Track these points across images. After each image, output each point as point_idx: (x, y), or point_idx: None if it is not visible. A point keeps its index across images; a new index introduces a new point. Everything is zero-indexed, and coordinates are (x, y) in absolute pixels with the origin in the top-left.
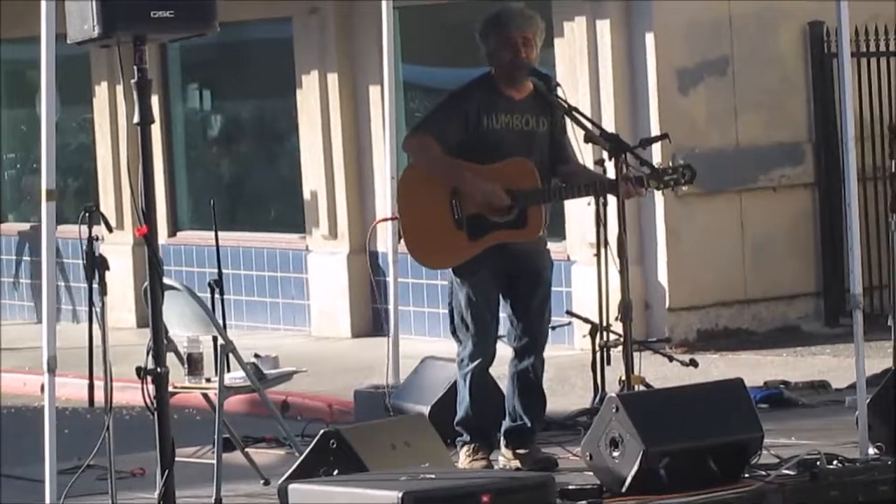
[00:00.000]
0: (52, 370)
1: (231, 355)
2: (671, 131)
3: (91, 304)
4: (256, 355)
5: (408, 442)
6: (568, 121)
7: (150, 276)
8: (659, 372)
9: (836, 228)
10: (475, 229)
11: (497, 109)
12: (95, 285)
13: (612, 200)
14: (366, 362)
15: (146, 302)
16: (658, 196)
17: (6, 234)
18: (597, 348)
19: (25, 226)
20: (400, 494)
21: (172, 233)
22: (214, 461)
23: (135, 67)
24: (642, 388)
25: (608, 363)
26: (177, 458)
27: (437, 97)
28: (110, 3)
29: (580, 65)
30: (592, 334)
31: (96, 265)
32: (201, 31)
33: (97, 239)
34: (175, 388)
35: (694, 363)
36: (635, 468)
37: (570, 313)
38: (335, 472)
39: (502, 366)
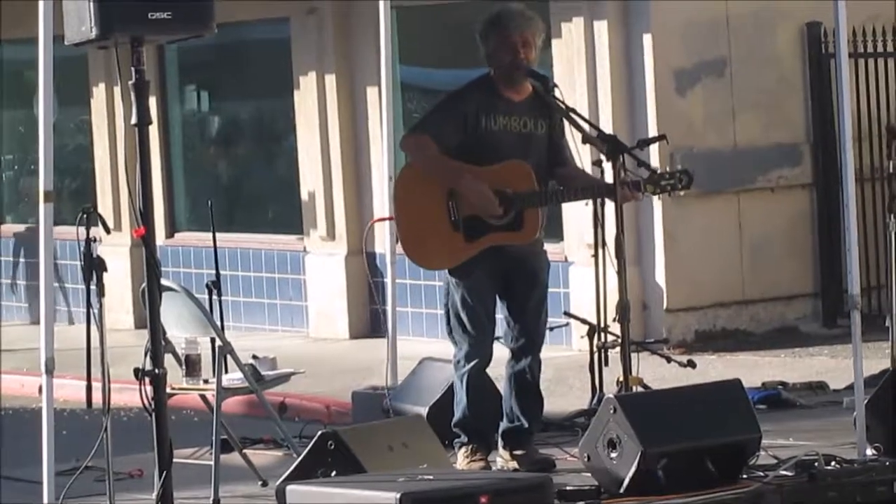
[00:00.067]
0: (50, 371)
1: (229, 356)
2: (669, 132)
3: (89, 305)
4: (254, 356)
5: (406, 443)
6: (566, 122)
7: (147, 277)
8: (657, 373)
9: (834, 229)
10: (472, 231)
11: (496, 111)
12: (93, 287)
13: (609, 202)
14: (364, 363)
15: (144, 303)
16: (656, 197)
17: (4, 236)
18: (594, 349)
19: (23, 227)
20: (398, 495)
21: (170, 234)
22: (212, 462)
23: (132, 68)
24: (640, 389)
25: (606, 364)
26: (175, 460)
27: (435, 98)
28: (108, 4)
29: (578, 65)
30: (590, 335)
31: (94, 266)
32: (199, 32)
33: (95, 240)
34: (173, 389)
35: (692, 364)
36: (633, 469)
37: (567, 314)
38: (333, 473)
39: (500, 367)
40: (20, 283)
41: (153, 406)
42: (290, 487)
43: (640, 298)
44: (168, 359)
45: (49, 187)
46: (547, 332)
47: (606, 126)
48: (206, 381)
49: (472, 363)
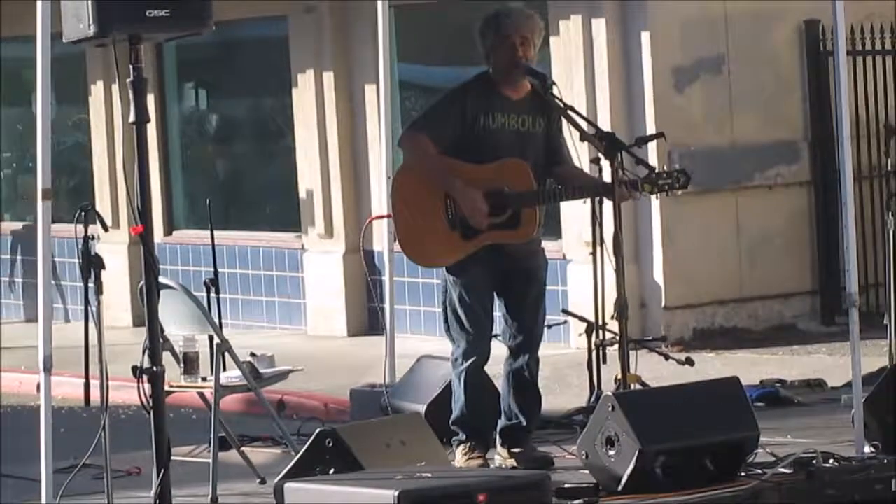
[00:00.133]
0: (48, 369)
1: (227, 354)
2: (667, 130)
3: (87, 303)
4: (252, 354)
5: (404, 441)
6: (564, 121)
7: (145, 275)
8: (655, 371)
9: (832, 227)
10: (469, 229)
11: (494, 109)
12: (91, 284)
13: (607, 200)
14: (362, 361)
15: (142, 301)
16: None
17: (2, 234)
18: (593, 347)
19: (21, 225)
20: (396, 493)
21: (168, 232)
22: (210, 460)
23: (130, 66)
24: (638, 386)
25: (604, 362)
26: (173, 457)
27: (433, 96)
28: (106, 2)
29: (576, 64)
30: (588, 333)
31: (92, 264)
32: (197, 30)
33: (93, 238)
34: (171, 387)
35: (690, 362)
36: (631, 467)
37: (566, 312)
38: (331, 471)
39: (498, 364)
40: (18, 281)
41: (151, 404)
42: (288, 485)
43: (639, 296)
44: (166, 356)
45: (47, 185)
46: (545, 329)
47: (605, 124)
48: (204, 379)
49: (469, 361)
